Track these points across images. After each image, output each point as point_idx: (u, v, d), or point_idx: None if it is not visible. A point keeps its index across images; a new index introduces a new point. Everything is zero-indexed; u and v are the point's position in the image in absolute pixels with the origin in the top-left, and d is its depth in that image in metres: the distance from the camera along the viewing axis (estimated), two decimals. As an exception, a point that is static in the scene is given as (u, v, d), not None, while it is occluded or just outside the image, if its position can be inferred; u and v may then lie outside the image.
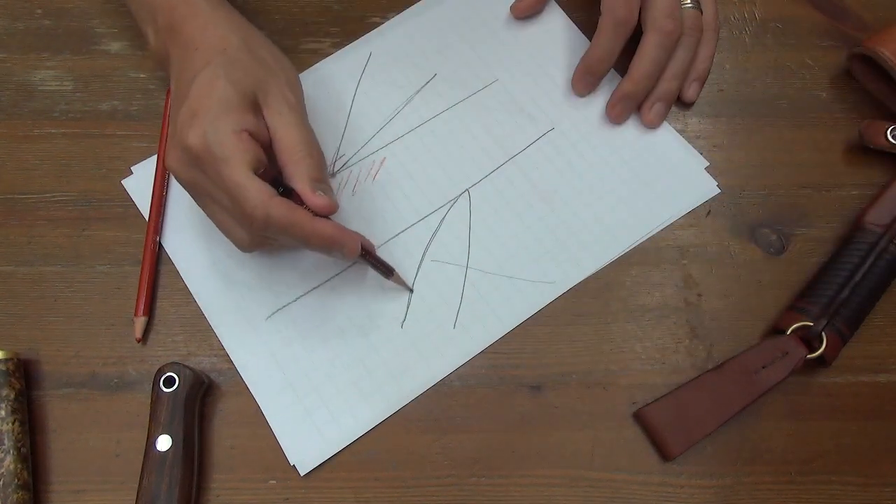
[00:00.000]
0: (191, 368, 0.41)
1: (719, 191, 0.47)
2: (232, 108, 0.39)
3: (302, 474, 0.41)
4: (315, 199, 0.39)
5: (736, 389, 0.42)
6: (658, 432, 0.42)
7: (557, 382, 0.44)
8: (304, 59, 0.51)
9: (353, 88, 0.50)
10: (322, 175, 0.41)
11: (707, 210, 0.48)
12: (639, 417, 0.43)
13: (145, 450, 0.40)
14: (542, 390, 0.44)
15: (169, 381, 0.41)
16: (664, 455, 0.42)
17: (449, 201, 0.47)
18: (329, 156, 0.48)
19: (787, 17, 0.53)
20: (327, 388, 0.43)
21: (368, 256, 0.43)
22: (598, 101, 0.50)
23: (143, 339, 0.44)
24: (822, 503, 0.42)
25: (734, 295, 0.46)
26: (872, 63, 0.48)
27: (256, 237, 0.40)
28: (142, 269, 0.45)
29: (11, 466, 0.40)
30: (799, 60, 0.51)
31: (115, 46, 0.51)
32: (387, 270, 0.44)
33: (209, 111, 0.38)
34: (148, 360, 0.44)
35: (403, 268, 0.45)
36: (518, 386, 0.44)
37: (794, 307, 0.44)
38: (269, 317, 0.44)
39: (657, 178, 0.48)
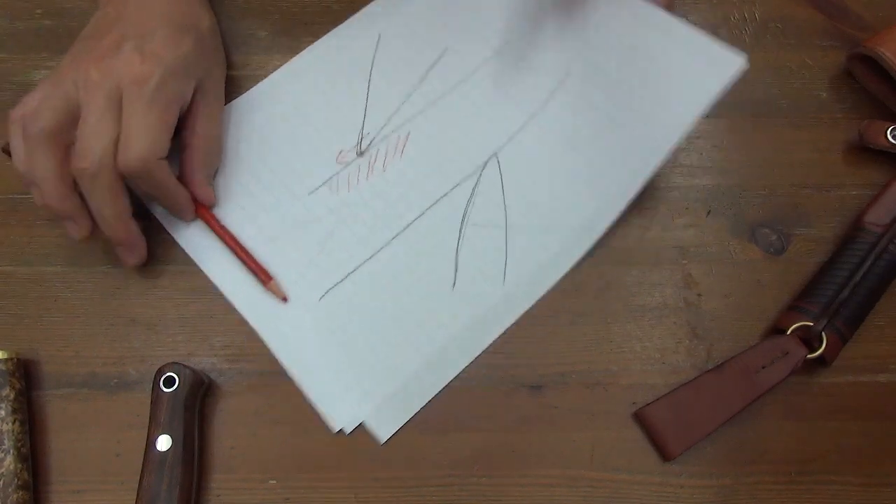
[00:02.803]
0: (191, 368, 0.41)
1: (745, 63, 0.43)
2: (185, 73, 0.42)
3: (382, 442, 0.42)
4: (207, 190, 0.46)
5: (736, 389, 0.42)
6: (658, 432, 0.42)
7: (557, 382, 0.44)
8: (304, 59, 0.51)
9: (368, 71, 0.50)
10: (212, 173, 0.47)
11: (707, 210, 0.48)
12: (639, 417, 0.43)
13: (145, 450, 0.40)
14: (542, 390, 0.44)
15: (169, 381, 0.41)
16: (664, 455, 0.42)
17: (479, 166, 0.48)
18: (354, 136, 0.49)
19: (787, 17, 0.53)
20: (388, 358, 0.44)
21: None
22: (608, 35, 0.48)
23: (145, 338, 0.44)
24: (822, 503, 0.42)
25: (734, 295, 0.46)
26: (872, 63, 0.48)
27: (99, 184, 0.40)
28: (232, 247, 0.45)
29: (11, 466, 0.40)
30: (799, 60, 0.51)
31: (115, 46, 0.51)
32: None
33: (164, 60, 0.41)
34: (148, 360, 0.44)
35: (444, 237, 0.47)
36: (518, 386, 0.44)
37: (794, 307, 0.44)
38: (322, 297, 0.45)
39: (678, 78, 0.46)
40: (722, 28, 0.52)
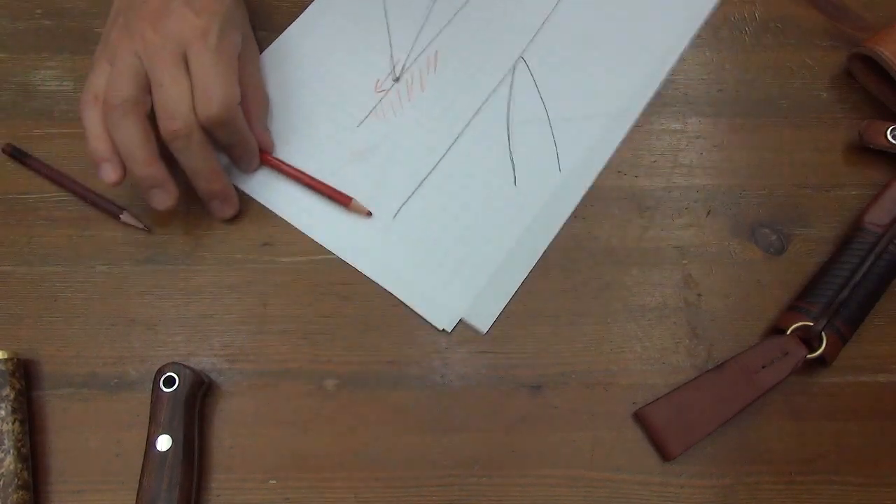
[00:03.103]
0: (191, 368, 0.41)
1: None
2: (233, 23, 0.43)
3: (483, 332, 0.45)
4: (267, 135, 0.47)
5: (736, 389, 0.42)
6: (658, 432, 0.42)
7: (557, 382, 0.44)
8: (304, 59, 0.51)
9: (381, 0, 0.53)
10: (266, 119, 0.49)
11: (707, 210, 0.48)
12: (639, 417, 0.43)
13: (145, 450, 0.40)
14: (542, 390, 0.44)
15: (169, 381, 0.41)
16: (664, 455, 0.42)
17: (508, 70, 0.51)
18: (386, 65, 0.51)
19: (787, 17, 0.53)
20: (472, 258, 0.47)
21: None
22: None
23: (145, 338, 0.44)
24: (822, 503, 0.42)
25: (734, 295, 0.46)
26: (872, 63, 0.48)
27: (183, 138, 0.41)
28: (305, 180, 0.47)
29: (11, 466, 0.40)
30: (799, 60, 0.51)
31: (115, 46, 0.51)
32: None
33: (217, 11, 0.42)
34: (148, 360, 0.44)
35: (495, 138, 0.49)
36: (518, 386, 0.44)
37: (794, 307, 0.44)
38: (396, 214, 0.47)
39: None
40: (722, 28, 0.52)
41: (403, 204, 0.48)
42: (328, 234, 0.47)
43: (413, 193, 0.48)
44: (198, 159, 0.42)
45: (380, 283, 0.46)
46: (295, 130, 0.49)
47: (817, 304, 0.43)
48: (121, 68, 0.41)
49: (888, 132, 0.47)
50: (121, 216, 0.46)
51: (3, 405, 0.40)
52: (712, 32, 0.52)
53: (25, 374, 0.43)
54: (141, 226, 0.46)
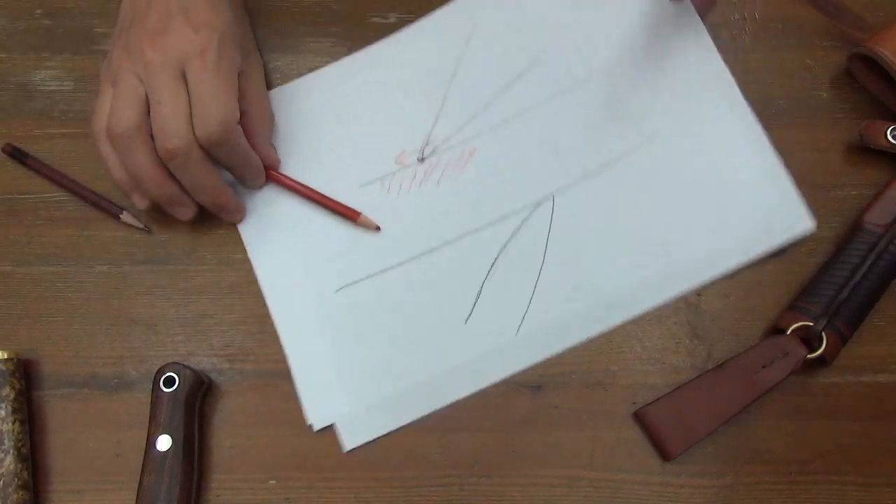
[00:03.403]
0: (191, 368, 0.41)
1: (814, 229, 0.45)
2: (234, 39, 0.42)
3: (346, 450, 0.42)
4: (271, 151, 0.46)
5: (736, 389, 0.42)
6: (658, 432, 0.42)
7: (557, 382, 0.44)
8: (304, 58, 0.51)
9: (452, 69, 0.48)
10: (270, 137, 0.47)
11: (707, 210, 0.48)
12: (639, 417, 0.43)
13: (145, 450, 0.40)
14: (542, 390, 0.44)
15: (169, 381, 0.41)
16: (664, 455, 0.42)
17: (533, 204, 0.46)
18: (420, 139, 0.47)
19: (787, 17, 0.53)
20: (381, 370, 0.43)
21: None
22: (708, 110, 0.46)
23: (145, 338, 0.44)
24: (822, 503, 0.42)
25: (734, 295, 0.46)
26: (872, 63, 0.48)
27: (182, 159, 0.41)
28: (311, 195, 0.46)
29: (11, 466, 0.40)
30: (799, 60, 0.51)
31: (115, 46, 0.51)
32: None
33: (216, 28, 0.41)
34: (148, 360, 0.44)
35: (475, 267, 0.45)
36: (518, 386, 0.44)
37: (794, 307, 0.44)
38: (339, 290, 0.45)
39: (751, 212, 0.45)
40: (722, 28, 0.52)
41: (351, 284, 0.45)
42: (270, 282, 0.45)
43: (366, 278, 0.45)
44: (197, 176, 0.42)
45: (285, 349, 0.44)
46: (302, 164, 0.47)
47: (817, 304, 0.43)
48: (122, 92, 0.41)
49: (888, 132, 0.47)
50: (121, 216, 0.46)
51: (3, 405, 0.40)
52: (712, 33, 0.52)
53: (25, 374, 0.43)
54: (141, 226, 0.46)
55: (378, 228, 0.45)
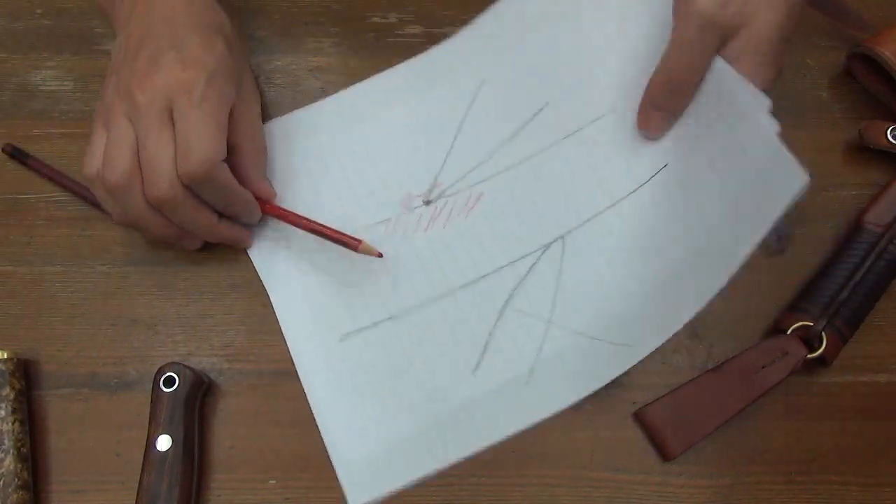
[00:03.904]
0: (191, 368, 0.41)
1: (808, 180, 0.40)
2: (226, 73, 0.41)
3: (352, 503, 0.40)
4: (265, 184, 0.44)
5: (736, 389, 0.42)
6: (658, 432, 0.42)
7: (557, 382, 0.44)
8: (304, 58, 0.51)
9: (462, 116, 0.47)
10: (264, 171, 0.46)
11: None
12: (639, 417, 0.43)
13: (145, 450, 0.40)
14: (542, 390, 0.44)
15: (169, 381, 0.41)
16: (664, 455, 0.42)
17: (541, 247, 0.44)
18: (426, 182, 0.46)
19: (787, 17, 0.53)
20: (384, 424, 0.41)
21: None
22: (708, 133, 0.43)
23: (145, 338, 0.44)
24: (822, 503, 0.42)
25: (734, 295, 0.46)
26: (872, 63, 0.48)
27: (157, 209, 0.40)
28: (311, 226, 0.43)
29: (11, 466, 0.40)
30: (799, 60, 0.51)
31: (115, 46, 0.51)
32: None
33: (206, 63, 0.40)
34: (148, 360, 0.44)
35: (482, 314, 0.43)
36: (518, 386, 0.44)
37: (794, 307, 0.44)
38: (344, 338, 0.43)
39: (753, 192, 0.41)
40: (722, 28, 0.52)
41: (355, 331, 0.43)
42: (293, 330, 0.44)
43: (371, 326, 0.43)
44: (190, 218, 0.41)
45: (308, 394, 0.42)
46: (304, 201, 0.45)
47: (817, 304, 0.43)
48: (113, 138, 0.40)
49: (888, 132, 0.47)
50: None
51: (3, 405, 0.40)
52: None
53: (25, 374, 0.43)
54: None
55: (380, 255, 0.42)
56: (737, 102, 0.41)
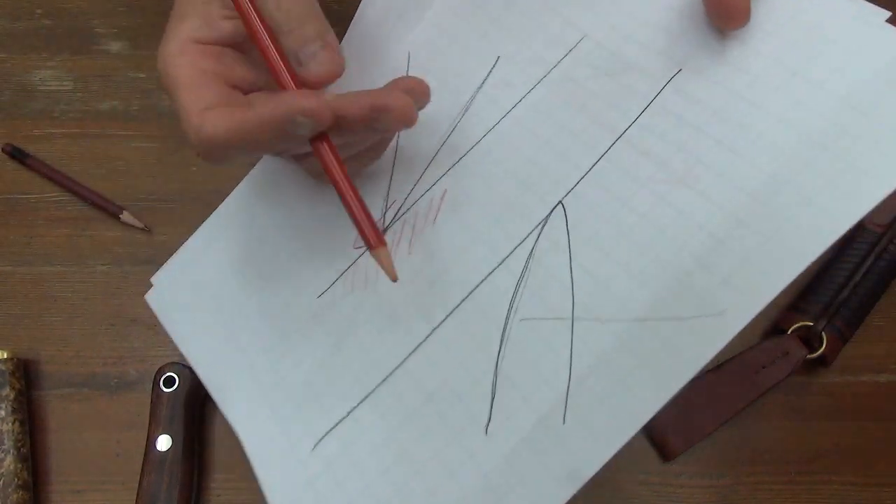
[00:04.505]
0: (191, 368, 0.41)
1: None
2: (191, 14, 0.31)
3: None
4: (309, 69, 0.31)
5: (736, 389, 0.42)
6: (658, 432, 0.42)
7: (557, 382, 0.44)
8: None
9: None
10: (316, 32, 0.32)
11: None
12: (639, 417, 0.43)
13: (145, 450, 0.40)
14: (542, 390, 0.44)
15: (169, 381, 0.41)
16: (664, 455, 0.42)
17: (537, 224, 0.32)
18: (378, 206, 0.37)
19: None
20: None
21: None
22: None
23: (145, 338, 0.44)
24: (822, 503, 0.42)
25: (734, 295, 0.46)
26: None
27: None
28: (343, 196, 0.31)
29: (11, 466, 0.40)
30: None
31: (115, 46, 0.51)
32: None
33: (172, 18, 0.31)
34: (148, 360, 0.44)
35: (479, 344, 0.31)
36: (518, 386, 0.44)
37: (795, 307, 0.44)
38: (316, 445, 0.34)
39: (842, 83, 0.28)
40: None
41: (330, 431, 0.34)
42: (259, 455, 0.36)
43: (347, 416, 0.33)
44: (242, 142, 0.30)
45: None
46: (254, 291, 0.38)
47: (817, 303, 0.43)
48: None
49: (888, 132, 0.47)
50: (121, 216, 0.46)
51: (3, 405, 0.40)
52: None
53: (25, 374, 0.43)
54: (141, 226, 0.46)
55: (395, 279, 0.31)
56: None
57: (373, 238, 0.31)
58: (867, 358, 0.44)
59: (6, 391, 0.41)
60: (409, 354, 0.33)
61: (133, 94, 0.50)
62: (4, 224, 0.47)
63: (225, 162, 0.31)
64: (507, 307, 0.32)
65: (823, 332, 0.42)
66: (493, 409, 0.30)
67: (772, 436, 0.43)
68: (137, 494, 0.39)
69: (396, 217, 0.36)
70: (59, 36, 0.51)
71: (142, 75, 0.50)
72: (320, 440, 0.34)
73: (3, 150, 0.48)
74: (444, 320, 0.33)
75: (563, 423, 0.28)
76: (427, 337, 0.33)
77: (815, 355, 0.42)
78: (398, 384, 0.33)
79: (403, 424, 0.32)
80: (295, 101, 0.28)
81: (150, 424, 0.41)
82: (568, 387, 0.29)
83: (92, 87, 0.50)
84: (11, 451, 0.40)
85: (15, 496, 0.39)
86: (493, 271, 0.33)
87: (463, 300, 0.33)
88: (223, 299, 0.40)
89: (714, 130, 0.29)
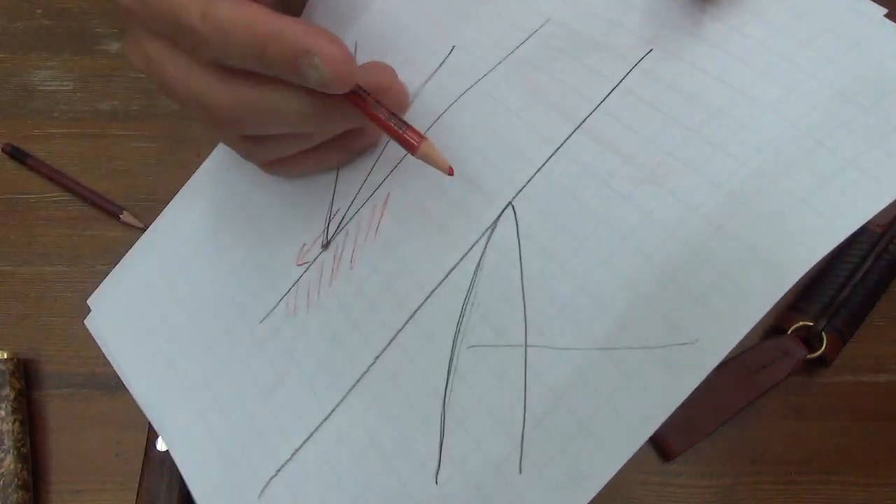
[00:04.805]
0: (191, 368, 0.41)
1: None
2: None
3: None
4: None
5: (736, 389, 0.42)
6: (658, 432, 0.42)
7: (557, 382, 0.44)
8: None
9: None
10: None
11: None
12: (639, 417, 0.43)
13: (145, 450, 0.40)
14: (542, 390, 0.44)
15: (169, 381, 0.41)
16: (664, 455, 0.42)
17: (483, 233, 0.28)
18: (320, 220, 0.33)
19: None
20: None
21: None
22: None
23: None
24: (822, 503, 0.42)
25: (734, 295, 0.46)
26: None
27: (226, 89, 0.27)
28: (366, 112, 0.28)
29: (11, 466, 0.40)
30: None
31: (115, 46, 0.51)
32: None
33: None
34: (148, 360, 0.44)
35: (428, 368, 0.28)
36: (518, 386, 0.44)
37: (794, 307, 0.44)
38: (262, 492, 0.31)
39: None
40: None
41: (274, 476, 0.30)
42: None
43: (290, 458, 0.30)
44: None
45: None
46: (189, 314, 0.35)
47: (817, 304, 0.43)
48: None
49: (888, 132, 0.47)
50: (121, 216, 0.46)
51: (3, 405, 0.40)
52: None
53: (25, 374, 0.43)
54: (141, 226, 0.46)
55: (451, 171, 0.27)
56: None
57: (413, 137, 0.27)
58: (867, 358, 0.44)
59: (6, 391, 0.41)
60: (351, 388, 0.29)
61: (133, 94, 0.50)
62: (4, 224, 0.47)
63: (231, 85, 0.27)
64: (454, 331, 0.27)
65: (823, 332, 0.42)
66: (441, 455, 0.27)
67: (772, 436, 0.43)
68: (137, 494, 0.39)
69: (340, 227, 0.32)
70: (59, 36, 0.51)
71: (142, 75, 0.50)
72: (266, 485, 0.31)
73: (3, 150, 0.47)
74: (386, 348, 0.29)
75: (520, 472, 0.25)
76: (370, 367, 0.29)
77: (815, 355, 0.42)
78: (340, 422, 0.29)
79: (350, 469, 0.29)
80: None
81: (149, 424, 0.41)
82: (523, 430, 0.25)
83: (92, 87, 0.50)
84: (11, 451, 0.40)
85: (15, 496, 0.39)
86: (435, 288, 0.28)
87: (405, 324, 0.29)
88: (158, 324, 0.37)
89: (689, 119, 0.25)
